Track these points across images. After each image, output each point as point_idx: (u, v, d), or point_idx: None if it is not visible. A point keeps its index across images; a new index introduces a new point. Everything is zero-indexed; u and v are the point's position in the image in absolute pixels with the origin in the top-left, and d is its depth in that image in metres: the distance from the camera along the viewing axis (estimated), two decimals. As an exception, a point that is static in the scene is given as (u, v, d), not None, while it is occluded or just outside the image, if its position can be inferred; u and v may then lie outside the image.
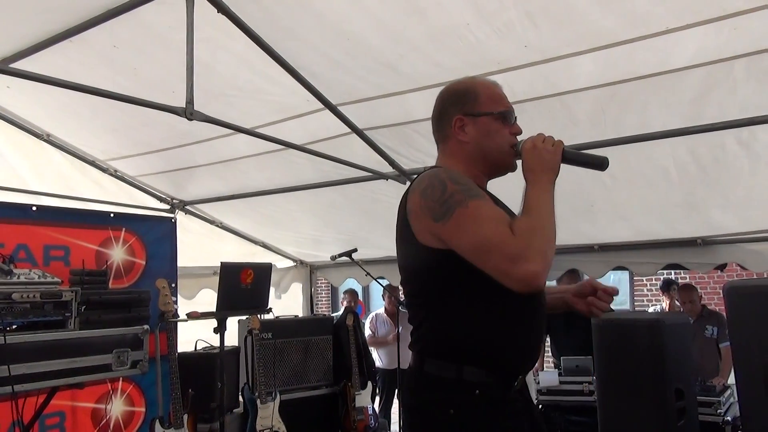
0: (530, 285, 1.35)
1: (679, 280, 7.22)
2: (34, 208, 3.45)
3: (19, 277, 2.53)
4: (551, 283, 4.77)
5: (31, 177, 3.71)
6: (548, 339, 5.18)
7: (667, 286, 6.11)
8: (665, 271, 7.22)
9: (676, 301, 6.18)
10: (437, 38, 2.34)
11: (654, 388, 2.80)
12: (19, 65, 2.69)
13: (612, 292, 1.65)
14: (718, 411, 3.63)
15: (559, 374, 4.44)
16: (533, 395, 4.59)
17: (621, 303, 8.66)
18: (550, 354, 5.23)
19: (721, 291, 6.25)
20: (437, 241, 1.45)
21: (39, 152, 3.69)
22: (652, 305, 8.15)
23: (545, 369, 5.03)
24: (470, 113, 1.59)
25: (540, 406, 4.52)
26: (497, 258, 1.36)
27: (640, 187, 3.26)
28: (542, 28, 2.21)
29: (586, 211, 3.62)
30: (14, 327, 2.42)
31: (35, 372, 2.42)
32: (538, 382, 4.49)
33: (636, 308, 8.20)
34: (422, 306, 1.56)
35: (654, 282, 7.90)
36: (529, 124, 2.79)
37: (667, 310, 6.04)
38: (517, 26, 2.21)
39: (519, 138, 1.59)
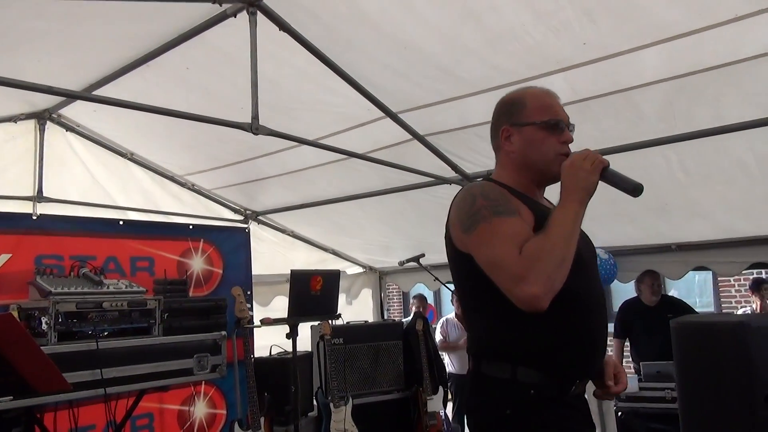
0: (530, 306, 1.38)
1: (771, 280, 6.76)
2: (121, 223, 3.71)
3: (108, 287, 2.73)
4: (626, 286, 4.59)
5: (118, 193, 3.98)
6: (628, 343, 5.00)
7: (757, 286, 5.75)
8: (754, 271, 6.77)
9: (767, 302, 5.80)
10: (493, 42, 2.34)
11: (741, 396, 2.64)
12: (104, 90, 2.93)
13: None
14: (817, 420, 3.37)
15: (639, 380, 4.27)
16: (611, 402, 4.44)
17: (706, 305, 8.18)
18: (630, 359, 5.03)
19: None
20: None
21: (124, 170, 3.96)
22: (741, 307, 7.66)
23: (624, 374, 4.83)
24: (516, 123, 1.63)
25: (619, 413, 4.36)
26: (503, 276, 1.42)
27: (718, 183, 3.10)
28: (601, 25, 2.16)
29: (660, 209, 3.48)
30: (105, 333, 2.61)
31: (125, 375, 2.61)
32: (617, 388, 4.33)
33: (723, 310, 7.73)
34: (475, 309, 1.63)
35: (743, 282, 7.42)
36: (595, 122, 2.76)
37: (758, 311, 5.68)
38: (574, 24, 2.17)
39: (570, 147, 1.60)
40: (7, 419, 2.40)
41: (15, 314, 2.52)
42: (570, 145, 1.61)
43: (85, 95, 2.61)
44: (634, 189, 1.46)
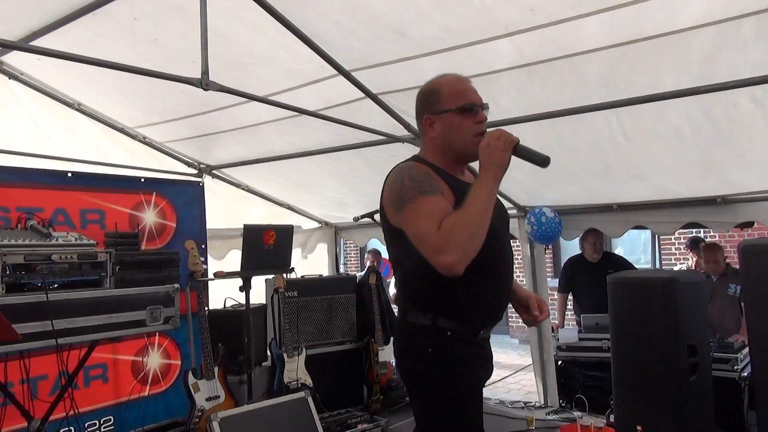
0: (448, 272, 1.62)
1: (708, 238, 7.14)
2: (69, 174, 3.64)
3: (57, 240, 2.72)
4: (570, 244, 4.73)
5: (66, 144, 3.89)
6: (571, 298, 5.26)
7: (694, 244, 6.08)
8: (693, 230, 7.14)
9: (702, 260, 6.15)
10: (443, 4, 2.37)
11: (666, 345, 2.86)
12: (47, 38, 2.83)
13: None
14: (735, 367, 3.68)
15: (579, 331, 4.52)
16: (552, 351, 4.71)
17: (648, 262, 8.61)
18: (573, 313, 5.31)
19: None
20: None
21: (71, 120, 3.86)
22: (680, 263, 8.09)
23: (566, 326, 5.11)
24: (435, 111, 1.85)
25: (559, 362, 4.63)
26: (426, 248, 1.65)
27: (656, 147, 3.25)
28: (547, -9, 2.22)
29: (602, 170, 3.63)
30: (55, 286, 2.62)
31: (76, 327, 2.63)
32: (558, 339, 4.58)
33: (663, 266, 8.15)
34: (405, 271, 1.89)
35: (683, 241, 7.82)
36: (541, 86, 2.84)
37: (694, 268, 6.02)
38: (522, -11, 2.23)
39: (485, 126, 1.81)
40: (-43, 369, 2.42)
41: (-40, 266, 2.50)
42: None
43: (25, 46, 2.53)
44: (542, 161, 1.67)
